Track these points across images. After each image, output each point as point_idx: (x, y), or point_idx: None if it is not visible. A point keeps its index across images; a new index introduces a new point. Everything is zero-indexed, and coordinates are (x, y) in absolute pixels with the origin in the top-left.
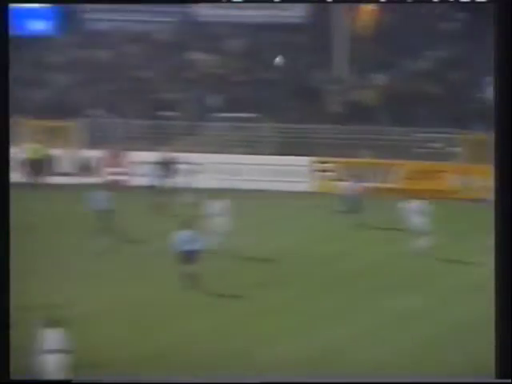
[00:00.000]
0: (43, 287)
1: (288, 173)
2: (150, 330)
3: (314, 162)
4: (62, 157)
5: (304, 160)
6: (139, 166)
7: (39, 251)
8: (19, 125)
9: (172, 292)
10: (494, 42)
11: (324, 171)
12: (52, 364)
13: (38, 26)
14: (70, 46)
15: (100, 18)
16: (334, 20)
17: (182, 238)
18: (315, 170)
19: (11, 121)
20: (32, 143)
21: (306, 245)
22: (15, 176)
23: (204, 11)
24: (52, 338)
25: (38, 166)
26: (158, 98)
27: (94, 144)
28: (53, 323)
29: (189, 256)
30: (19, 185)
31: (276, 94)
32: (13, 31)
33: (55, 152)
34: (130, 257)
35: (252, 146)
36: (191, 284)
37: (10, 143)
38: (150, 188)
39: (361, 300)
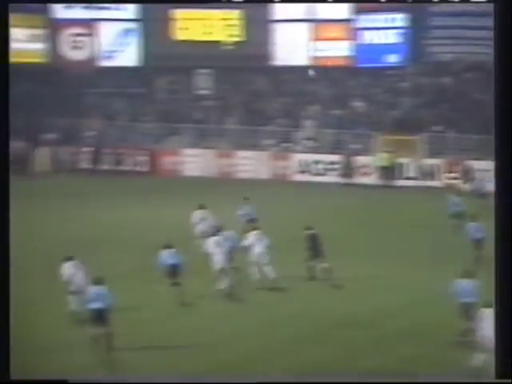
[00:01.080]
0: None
1: None
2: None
3: None
4: (409, 164)
5: None
6: (471, 173)
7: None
8: (375, 139)
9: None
10: (494, 42)
11: None
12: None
13: (392, 59)
14: (417, 74)
15: (443, 51)
16: None
17: (472, 228)
18: None
19: (372, 136)
20: (385, 153)
21: None
22: (371, 179)
23: None
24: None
25: (390, 171)
26: (491, 115)
27: (434, 154)
28: None
29: (477, 243)
30: (374, 186)
31: None
32: (372, 63)
33: (403, 160)
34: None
35: None
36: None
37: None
38: (475, 192)
39: None
